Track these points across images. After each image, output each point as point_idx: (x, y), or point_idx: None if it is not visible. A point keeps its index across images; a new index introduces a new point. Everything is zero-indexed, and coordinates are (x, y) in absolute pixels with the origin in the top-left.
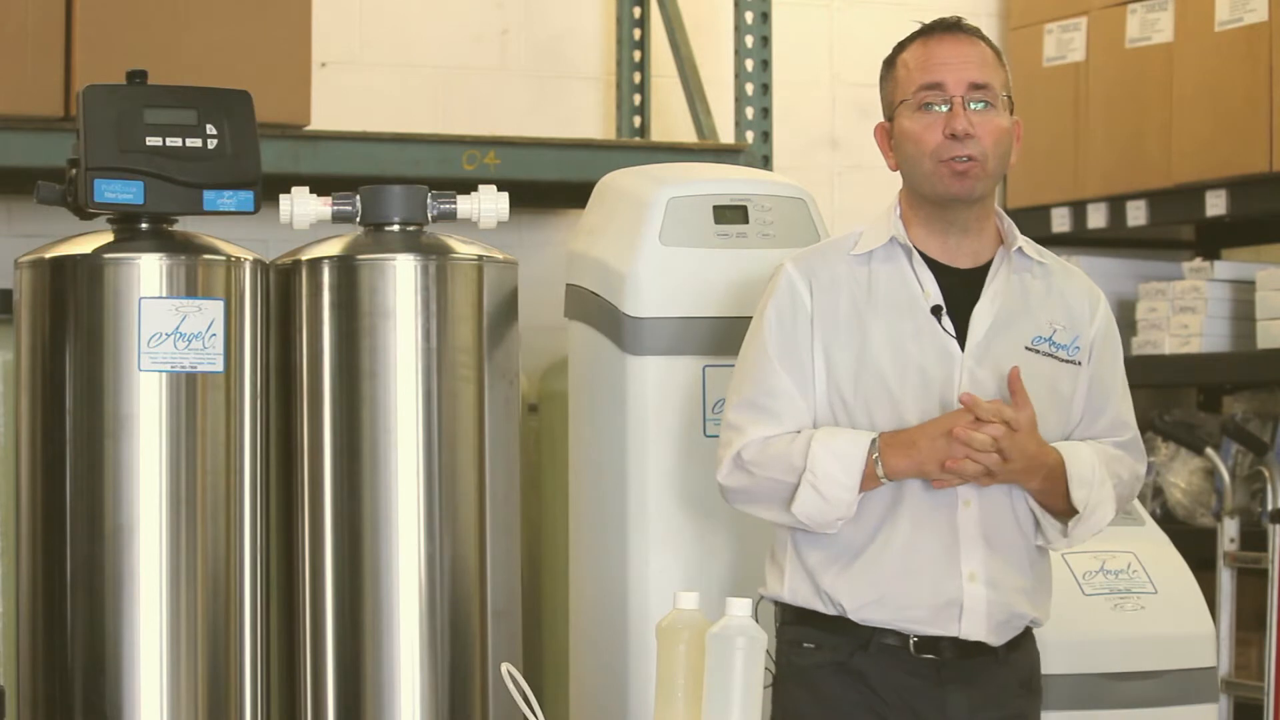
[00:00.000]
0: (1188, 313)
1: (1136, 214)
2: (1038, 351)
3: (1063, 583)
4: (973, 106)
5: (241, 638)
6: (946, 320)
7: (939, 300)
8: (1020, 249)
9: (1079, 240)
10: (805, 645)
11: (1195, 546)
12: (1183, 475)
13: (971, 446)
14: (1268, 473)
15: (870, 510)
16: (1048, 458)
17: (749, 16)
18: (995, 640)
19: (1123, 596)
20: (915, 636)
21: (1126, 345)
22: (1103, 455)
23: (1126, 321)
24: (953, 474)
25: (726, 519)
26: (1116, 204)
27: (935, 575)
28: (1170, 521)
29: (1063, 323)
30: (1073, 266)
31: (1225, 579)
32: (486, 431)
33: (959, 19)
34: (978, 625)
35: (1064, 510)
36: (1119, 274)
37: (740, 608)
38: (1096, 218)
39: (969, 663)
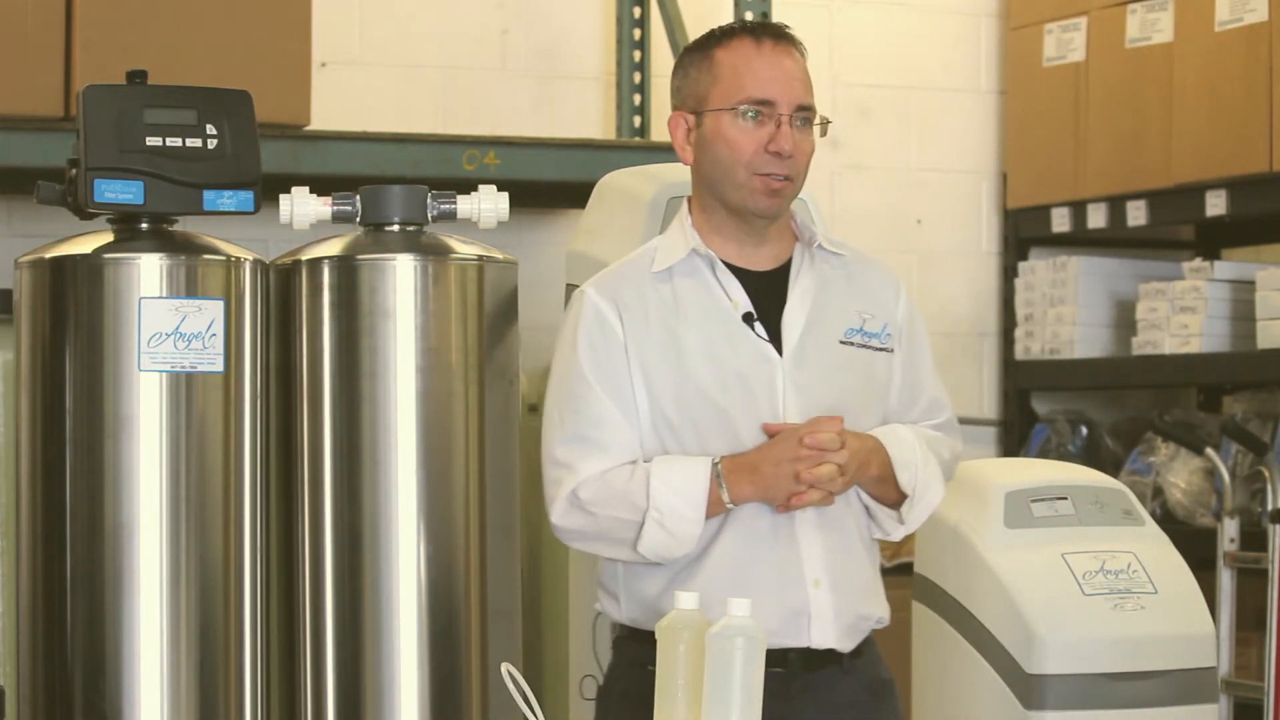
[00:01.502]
0: (1188, 313)
1: (1136, 214)
2: (852, 344)
3: (1063, 583)
4: (795, 125)
5: (241, 637)
6: (759, 326)
7: (748, 307)
8: (820, 245)
9: (1079, 240)
10: (649, 668)
11: (1195, 546)
12: (1183, 475)
13: (821, 482)
14: (1268, 473)
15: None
16: (869, 443)
17: (749, 17)
18: (845, 645)
19: (1123, 596)
20: None
21: (1126, 345)
22: (922, 436)
23: (1126, 321)
24: (800, 506)
25: None
26: (1116, 204)
27: (779, 585)
28: (1170, 521)
29: (870, 311)
30: (867, 254)
31: (1225, 579)
32: (486, 432)
33: (785, 27)
34: (827, 632)
35: (895, 498)
36: (1119, 274)
37: (740, 608)
38: (1096, 218)
39: (817, 674)
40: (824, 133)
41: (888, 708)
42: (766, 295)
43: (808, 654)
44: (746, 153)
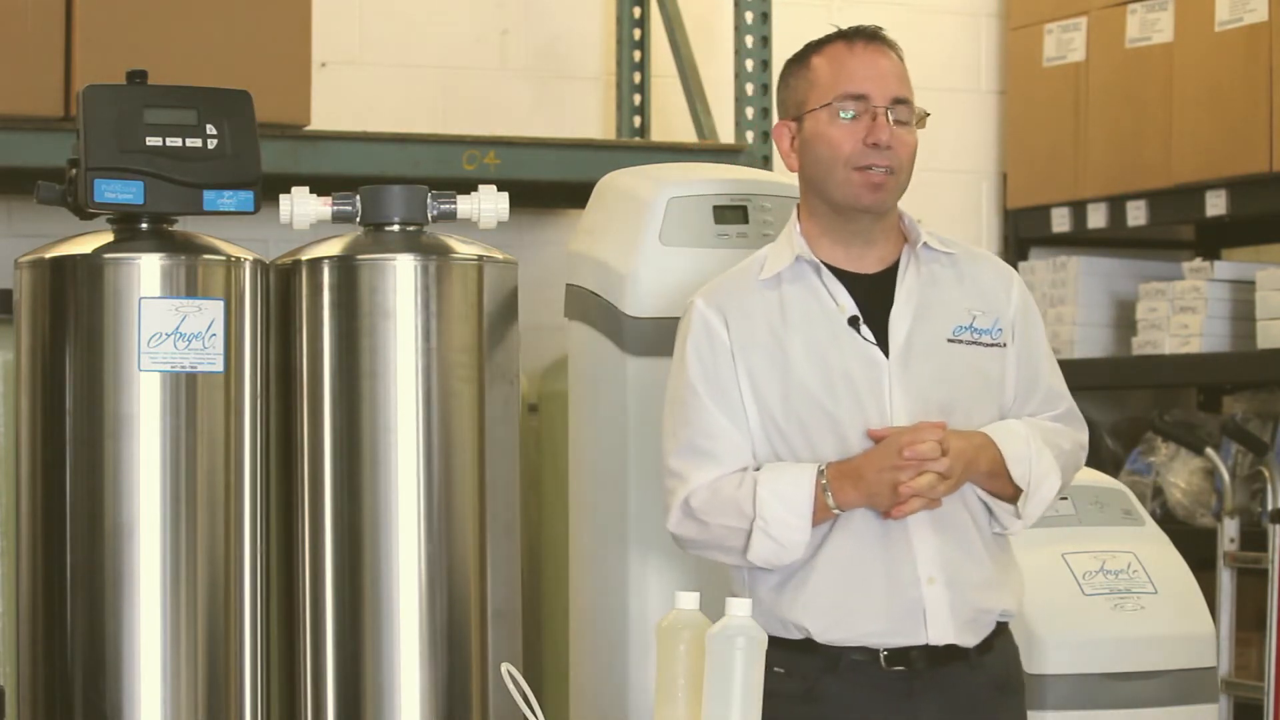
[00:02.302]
0: (1188, 313)
1: (1136, 214)
2: (960, 341)
3: (1063, 583)
4: (892, 121)
5: (241, 638)
6: (865, 329)
7: (854, 311)
8: (925, 244)
9: (1079, 240)
10: (775, 670)
11: (1195, 546)
12: (1183, 475)
13: (921, 492)
14: (1268, 473)
15: (815, 528)
16: (975, 441)
17: (749, 16)
18: (967, 640)
19: (1123, 596)
20: (885, 650)
21: (1126, 345)
22: (1038, 429)
23: (1127, 321)
24: (903, 516)
25: None
26: (1116, 204)
27: (892, 584)
28: (1170, 521)
29: (980, 308)
30: (980, 250)
31: (1225, 579)
32: (486, 432)
33: (879, 28)
34: (944, 628)
35: (1011, 493)
36: (1119, 274)
37: (740, 608)
38: (1096, 218)
39: (940, 671)
40: (922, 124)
41: (1011, 708)
42: (874, 298)
43: (929, 651)
44: (845, 148)
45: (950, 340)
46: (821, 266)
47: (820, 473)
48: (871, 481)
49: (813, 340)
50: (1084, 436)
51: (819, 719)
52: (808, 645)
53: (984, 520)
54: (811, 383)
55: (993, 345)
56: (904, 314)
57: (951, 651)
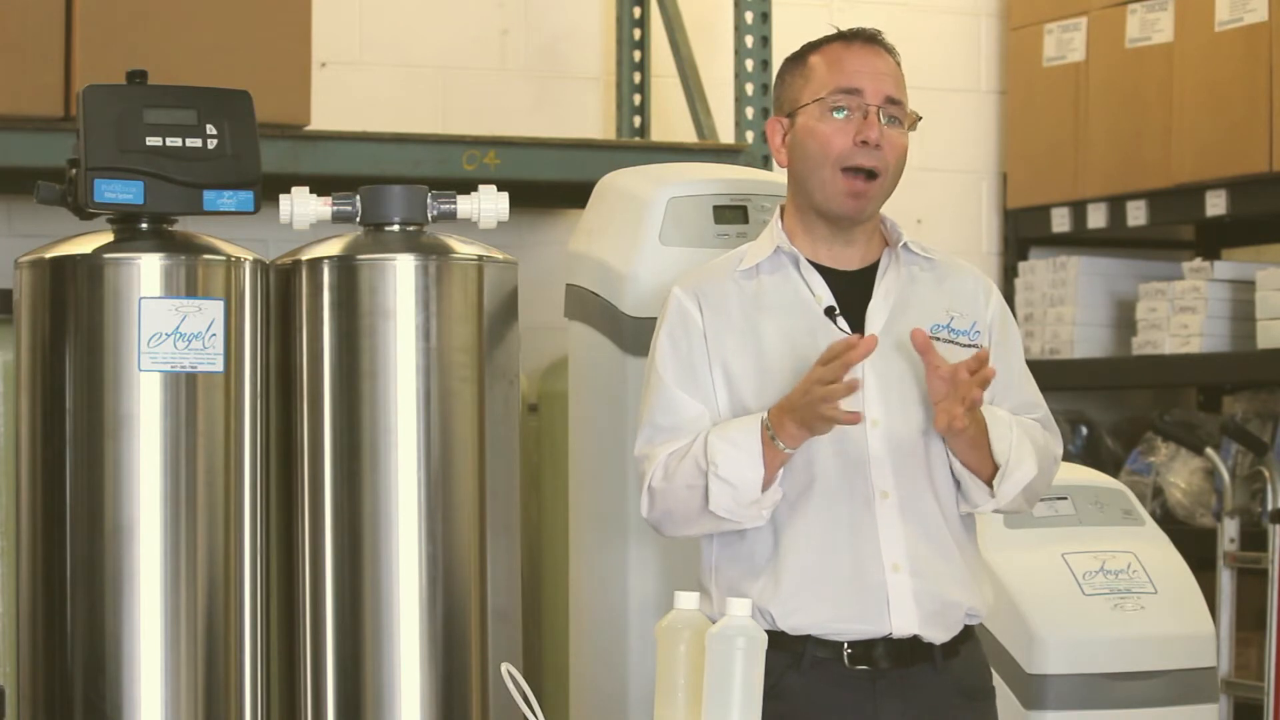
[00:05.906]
0: (1188, 313)
1: (1136, 214)
2: (938, 339)
3: (1063, 583)
4: (884, 121)
5: (241, 637)
6: (841, 320)
7: (831, 302)
8: (906, 245)
9: (1079, 240)
10: None
11: (1195, 546)
12: (1183, 475)
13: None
14: (1268, 473)
15: (778, 511)
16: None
17: (749, 16)
18: (933, 635)
19: (1123, 596)
20: (848, 645)
21: (1126, 345)
22: (1019, 422)
23: (1127, 321)
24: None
25: None
26: (1116, 204)
27: (857, 570)
28: (1170, 521)
29: (958, 310)
30: (959, 259)
31: (1225, 579)
32: (486, 431)
33: (878, 31)
34: (908, 618)
35: (990, 471)
36: (1119, 274)
37: (740, 608)
38: (1096, 218)
39: (905, 672)
40: (914, 128)
41: (980, 713)
42: (852, 293)
43: (894, 647)
44: (835, 147)
45: (928, 337)
46: (800, 257)
47: (764, 421)
48: (799, 411)
49: (788, 329)
50: (1058, 447)
51: (782, 716)
52: (773, 639)
53: (954, 514)
54: (785, 370)
55: (969, 346)
56: (881, 309)
57: (916, 649)
